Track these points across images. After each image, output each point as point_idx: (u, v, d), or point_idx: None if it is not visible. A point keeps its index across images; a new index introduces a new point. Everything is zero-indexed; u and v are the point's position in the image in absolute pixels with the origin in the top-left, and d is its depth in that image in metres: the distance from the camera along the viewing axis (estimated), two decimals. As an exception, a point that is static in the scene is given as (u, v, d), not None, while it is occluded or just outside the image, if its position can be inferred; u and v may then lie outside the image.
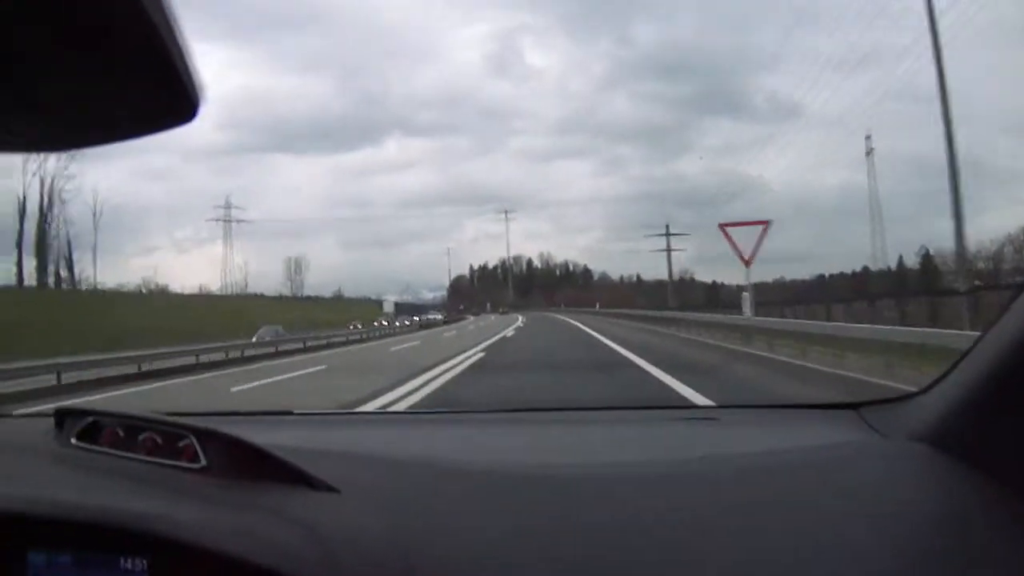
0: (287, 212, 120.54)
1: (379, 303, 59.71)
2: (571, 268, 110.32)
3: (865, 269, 42.83)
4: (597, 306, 46.49)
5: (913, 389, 1.27)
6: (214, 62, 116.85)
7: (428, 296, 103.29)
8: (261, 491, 0.93)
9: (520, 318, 44.79)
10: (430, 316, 54.26)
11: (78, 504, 0.87)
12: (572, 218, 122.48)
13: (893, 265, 42.31)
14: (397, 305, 61.26)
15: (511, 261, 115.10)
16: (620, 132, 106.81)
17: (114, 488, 0.94)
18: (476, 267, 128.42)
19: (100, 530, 0.84)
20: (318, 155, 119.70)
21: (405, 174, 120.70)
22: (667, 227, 48.90)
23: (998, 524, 0.86)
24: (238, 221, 72.93)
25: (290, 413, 1.87)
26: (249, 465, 0.97)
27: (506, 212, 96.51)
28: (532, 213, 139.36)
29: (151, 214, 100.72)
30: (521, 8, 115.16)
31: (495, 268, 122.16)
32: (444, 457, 1.17)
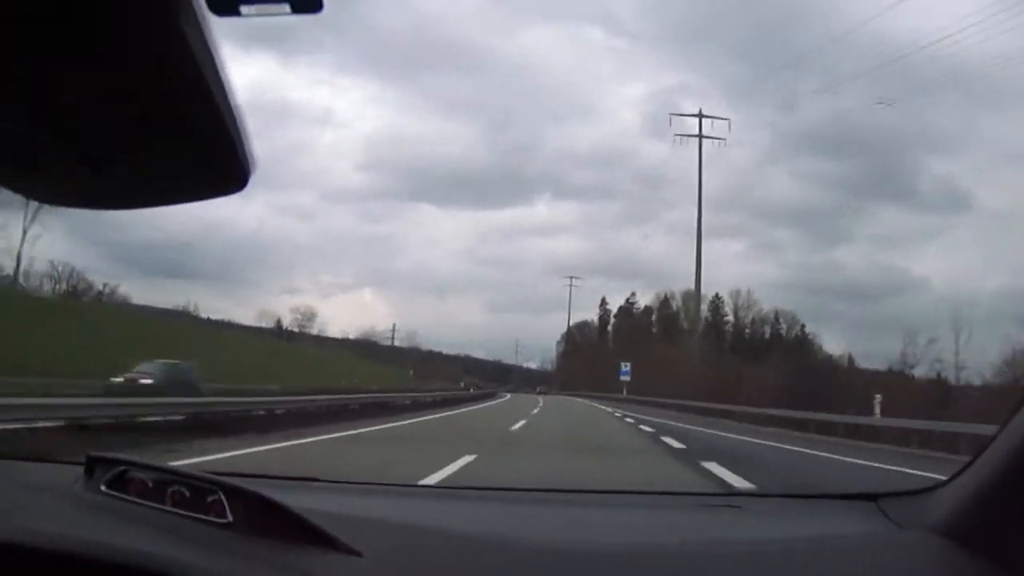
0: (429, 264, 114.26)
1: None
2: (781, 324, 63.31)
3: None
4: None
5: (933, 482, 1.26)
6: (358, 97, 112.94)
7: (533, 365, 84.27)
8: (285, 550, 0.96)
9: None
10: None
11: (109, 545, 0.89)
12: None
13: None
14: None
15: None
16: (776, 212, 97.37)
17: (142, 535, 0.97)
18: (612, 307, 74.91)
19: (126, 573, 0.86)
20: (462, 209, 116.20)
21: (554, 238, 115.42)
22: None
23: None
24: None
25: (317, 480, 1.91)
26: (274, 524, 0.99)
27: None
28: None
29: (296, 253, 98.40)
30: (682, 67, 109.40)
31: (644, 310, 71.64)
32: (466, 528, 1.18)
